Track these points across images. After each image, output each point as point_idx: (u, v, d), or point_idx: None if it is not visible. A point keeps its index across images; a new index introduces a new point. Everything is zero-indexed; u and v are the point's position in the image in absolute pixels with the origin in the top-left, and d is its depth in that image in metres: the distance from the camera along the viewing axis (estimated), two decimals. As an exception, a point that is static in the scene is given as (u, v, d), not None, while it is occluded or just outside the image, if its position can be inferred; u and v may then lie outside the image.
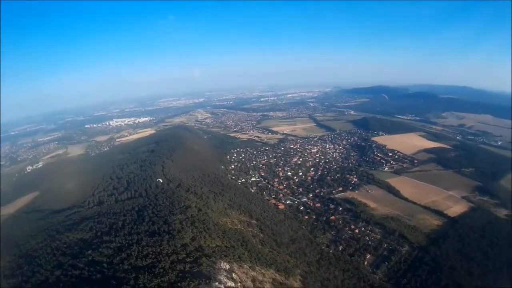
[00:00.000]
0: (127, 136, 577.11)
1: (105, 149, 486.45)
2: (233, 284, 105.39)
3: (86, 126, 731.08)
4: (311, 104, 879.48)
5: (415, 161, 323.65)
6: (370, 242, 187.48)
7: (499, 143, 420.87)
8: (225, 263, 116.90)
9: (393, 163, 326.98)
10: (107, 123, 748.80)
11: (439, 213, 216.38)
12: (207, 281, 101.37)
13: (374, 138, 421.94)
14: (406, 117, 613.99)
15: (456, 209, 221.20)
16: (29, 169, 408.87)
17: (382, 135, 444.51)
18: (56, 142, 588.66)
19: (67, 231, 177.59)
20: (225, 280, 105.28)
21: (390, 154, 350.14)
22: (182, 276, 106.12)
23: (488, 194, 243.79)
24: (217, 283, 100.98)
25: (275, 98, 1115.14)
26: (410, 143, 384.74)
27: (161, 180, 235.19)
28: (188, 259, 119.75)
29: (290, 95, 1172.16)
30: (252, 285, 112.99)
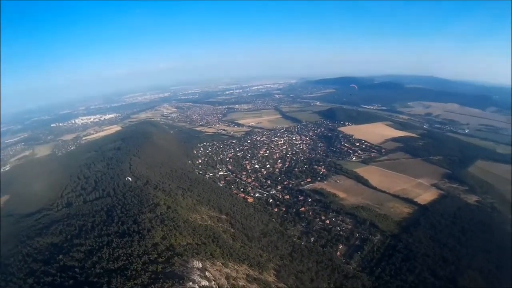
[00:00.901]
0: (93, 134, 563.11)
1: (72, 148, 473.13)
2: (207, 283, 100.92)
3: (52, 125, 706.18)
4: (277, 96, 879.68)
5: (383, 150, 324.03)
6: (341, 232, 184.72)
7: (466, 131, 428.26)
8: (197, 262, 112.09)
9: (361, 152, 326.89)
10: (73, 121, 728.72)
11: (409, 201, 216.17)
12: (181, 281, 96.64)
13: (340, 129, 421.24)
14: (372, 107, 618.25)
15: (426, 196, 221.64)
16: None
17: (349, 125, 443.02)
18: (23, 143, 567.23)
19: (37, 235, 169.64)
20: (199, 279, 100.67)
21: (358, 144, 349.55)
22: (155, 277, 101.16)
23: (457, 181, 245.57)
24: (190, 283, 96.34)
25: (241, 90, 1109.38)
26: (377, 132, 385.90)
27: (130, 179, 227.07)
28: (160, 259, 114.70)
29: (255, 87, 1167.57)
30: (226, 283, 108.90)
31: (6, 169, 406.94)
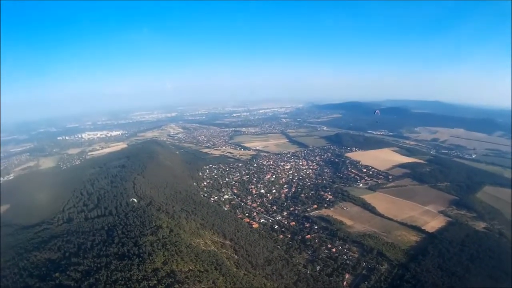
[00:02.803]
0: (99, 149, 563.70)
1: (77, 163, 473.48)
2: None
3: (58, 138, 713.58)
4: (284, 120, 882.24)
5: (390, 177, 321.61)
6: (348, 261, 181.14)
7: (473, 156, 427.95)
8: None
9: (368, 179, 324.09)
10: (80, 136, 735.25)
11: (416, 229, 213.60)
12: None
13: (347, 154, 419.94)
14: (379, 133, 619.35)
15: (433, 224, 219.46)
16: (0, 180, 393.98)
17: (356, 150, 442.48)
18: (28, 154, 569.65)
19: (35, 249, 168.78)
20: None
21: (365, 170, 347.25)
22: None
23: (465, 207, 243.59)
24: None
25: (248, 113, 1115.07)
26: (384, 158, 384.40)
27: (135, 200, 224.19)
28: (160, 286, 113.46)
29: (263, 111, 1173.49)
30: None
31: (10, 178, 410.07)
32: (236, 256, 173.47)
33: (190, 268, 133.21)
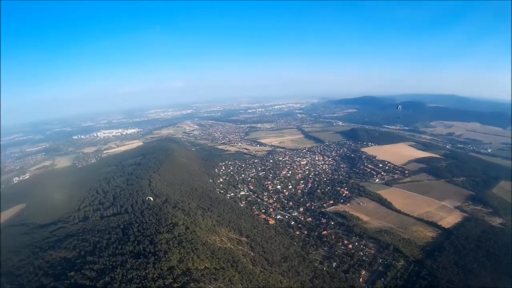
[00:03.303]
0: (114, 148, 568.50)
1: (92, 161, 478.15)
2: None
3: (73, 137, 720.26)
4: (299, 115, 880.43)
5: (406, 172, 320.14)
6: (364, 258, 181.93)
7: (489, 151, 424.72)
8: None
9: (384, 174, 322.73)
10: (95, 134, 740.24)
11: (433, 225, 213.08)
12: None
13: (363, 149, 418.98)
14: (394, 127, 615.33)
15: (450, 219, 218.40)
16: (16, 180, 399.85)
17: (372, 145, 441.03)
18: (43, 153, 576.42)
19: (51, 248, 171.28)
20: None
21: (381, 165, 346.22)
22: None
23: (481, 203, 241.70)
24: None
25: (263, 109, 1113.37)
26: (400, 153, 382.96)
27: (151, 199, 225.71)
28: (175, 285, 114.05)
29: (278, 107, 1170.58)
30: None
31: (26, 177, 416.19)
32: (252, 253, 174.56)
33: (206, 265, 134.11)
